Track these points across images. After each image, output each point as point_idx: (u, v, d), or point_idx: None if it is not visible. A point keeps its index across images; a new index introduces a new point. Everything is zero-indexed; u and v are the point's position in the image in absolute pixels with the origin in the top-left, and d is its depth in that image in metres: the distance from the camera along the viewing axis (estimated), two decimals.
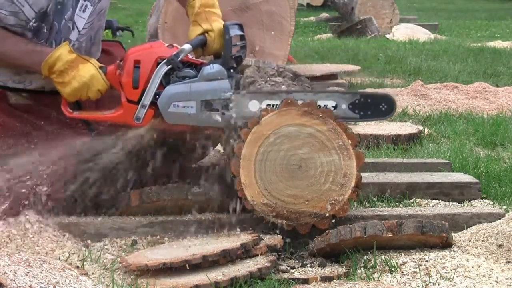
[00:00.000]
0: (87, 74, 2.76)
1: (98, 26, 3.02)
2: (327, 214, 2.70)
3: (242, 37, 2.87)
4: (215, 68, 2.75)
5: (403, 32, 11.82)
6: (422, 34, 11.72)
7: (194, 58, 2.82)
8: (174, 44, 2.81)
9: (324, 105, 2.76)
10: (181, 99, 2.73)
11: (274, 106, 2.74)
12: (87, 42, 2.98)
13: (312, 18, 15.62)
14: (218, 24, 2.85)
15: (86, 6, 2.90)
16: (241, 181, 2.68)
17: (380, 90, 2.67)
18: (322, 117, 2.67)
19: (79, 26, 2.90)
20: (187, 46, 2.78)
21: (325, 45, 10.14)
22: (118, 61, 2.83)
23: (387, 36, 11.70)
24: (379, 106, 2.75)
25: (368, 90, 2.74)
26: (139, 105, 2.76)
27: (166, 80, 2.75)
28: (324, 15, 15.66)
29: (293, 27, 6.58)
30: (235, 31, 2.83)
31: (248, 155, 2.68)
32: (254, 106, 2.75)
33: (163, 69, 2.75)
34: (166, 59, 2.75)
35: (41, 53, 2.78)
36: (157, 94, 2.75)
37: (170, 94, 2.73)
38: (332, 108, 2.76)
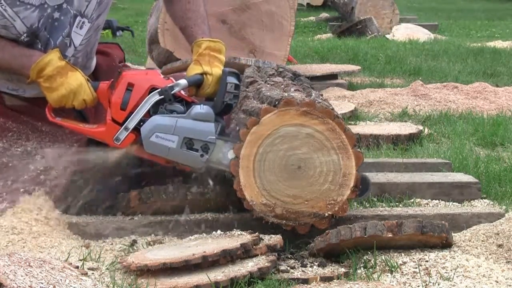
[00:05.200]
0: (75, 82, 2.76)
1: (94, 41, 3.02)
2: (326, 214, 2.70)
3: (237, 87, 2.87)
4: (204, 109, 2.75)
5: (403, 32, 11.81)
6: (422, 34, 11.71)
7: (186, 95, 2.82)
8: (170, 77, 2.82)
9: None
10: (164, 131, 2.73)
11: None
12: (83, 57, 2.98)
13: (312, 18, 15.60)
14: (218, 70, 2.86)
15: (83, 23, 2.89)
16: (240, 182, 2.68)
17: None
18: (321, 117, 2.67)
19: (75, 42, 2.90)
20: (183, 82, 2.79)
21: (325, 45, 10.13)
22: (112, 80, 2.83)
23: (387, 36, 11.70)
24: None
25: None
26: (122, 127, 2.76)
27: (154, 109, 2.76)
28: (324, 15, 15.65)
29: (293, 27, 6.58)
30: (232, 79, 2.84)
31: (247, 155, 2.68)
32: (233, 155, 2.73)
33: (154, 98, 2.75)
34: (159, 89, 2.75)
35: (30, 57, 2.78)
36: (142, 121, 2.75)
37: (155, 123, 2.74)
38: None
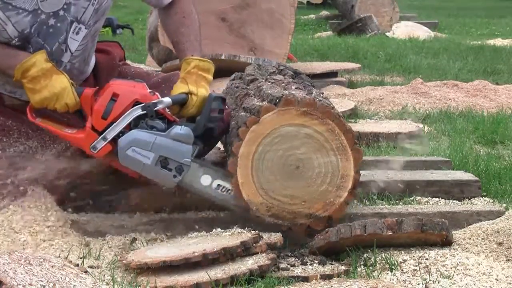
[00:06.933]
0: (59, 86, 2.75)
1: (91, 46, 3.00)
2: (322, 215, 2.69)
3: (221, 111, 2.85)
4: (184, 131, 2.74)
5: (403, 30, 11.82)
6: (422, 32, 11.71)
7: (169, 112, 2.80)
8: (156, 93, 2.79)
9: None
10: (141, 147, 2.71)
11: (225, 189, 2.74)
12: (80, 63, 2.96)
13: (312, 16, 15.62)
14: (203, 91, 2.84)
15: (79, 29, 2.88)
16: (237, 180, 2.67)
17: None
18: (322, 118, 2.67)
19: (72, 48, 2.89)
20: (167, 100, 2.77)
21: (325, 43, 10.14)
22: (97, 87, 2.81)
23: (387, 34, 11.70)
24: None
25: None
26: (101, 136, 2.74)
27: (135, 122, 2.74)
28: (324, 13, 15.67)
29: (293, 25, 6.58)
30: (217, 104, 2.82)
31: (245, 153, 2.67)
32: (206, 180, 2.74)
33: (137, 112, 2.73)
34: (143, 104, 2.73)
35: (16, 57, 2.77)
36: (121, 133, 2.73)
37: (133, 137, 2.72)
38: None
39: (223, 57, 5.96)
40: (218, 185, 2.76)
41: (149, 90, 2.79)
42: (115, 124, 2.73)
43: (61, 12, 2.83)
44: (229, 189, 2.74)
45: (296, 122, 2.66)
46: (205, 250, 2.43)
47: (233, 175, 2.68)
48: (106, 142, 2.74)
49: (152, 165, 2.72)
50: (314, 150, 2.67)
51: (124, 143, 2.72)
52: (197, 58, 2.92)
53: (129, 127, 2.74)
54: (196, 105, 2.82)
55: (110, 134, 2.73)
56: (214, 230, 2.71)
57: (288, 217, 2.69)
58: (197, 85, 2.85)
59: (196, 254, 2.42)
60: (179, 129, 2.74)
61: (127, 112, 2.73)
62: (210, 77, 2.93)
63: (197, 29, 3.02)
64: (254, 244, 2.51)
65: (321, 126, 2.67)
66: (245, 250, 2.48)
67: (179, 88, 2.85)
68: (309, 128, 2.67)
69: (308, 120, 2.66)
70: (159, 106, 2.75)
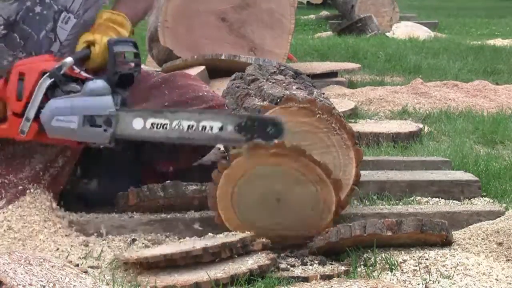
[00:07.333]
0: None
1: None
2: (311, 235, 2.68)
3: (135, 55, 2.80)
4: (97, 83, 2.70)
5: (403, 30, 11.80)
6: (422, 32, 11.71)
7: (80, 71, 2.76)
8: (63, 58, 2.76)
9: (210, 126, 2.67)
10: (63, 114, 2.68)
11: (160, 126, 2.67)
12: (71, 54, 2.95)
13: (312, 16, 15.61)
14: (106, 38, 2.80)
15: (68, 18, 2.88)
16: (222, 218, 2.65)
17: (268, 114, 2.64)
18: (293, 156, 2.63)
19: (61, 38, 2.89)
20: (69, 60, 2.73)
21: (325, 43, 10.14)
22: (7, 75, 2.78)
23: (387, 34, 11.70)
24: (265, 129, 2.64)
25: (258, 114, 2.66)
26: (24, 118, 2.72)
27: (51, 93, 2.71)
28: (324, 13, 15.67)
29: (293, 25, 6.58)
30: (121, 48, 2.76)
31: (224, 194, 2.64)
32: (138, 124, 2.68)
33: (46, 82, 2.70)
34: (48, 73, 2.70)
35: None
36: (41, 108, 2.71)
37: (52, 108, 2.69)
38: (218, 130, 2.66)
39: (223, 57, 5.96)
40: (152, 124, 2.68)
41: (55, 56, 2.75)
42: (31, 101, 2.71)
43: (47, 0, 2.83)
44: (164, 124, 2.67)
45: (268, 162, 2.63)
46: (206, 244, 2.44)
47: (215, 211, 2.66)
48: (30, 122, 2.71)
49: (80, 127, 2.68)
50: (292, 184, 2.64)
51: (45, 117, 2.70)
52: (110, 11, 2.90)
53: (47, 99, 2.71)
54: (99, 54, 2.79)
55: (31, 113, 2.71)
56: (209, 233, 2.69)
57: (278, 241, 2.66)
58: (104, 34, 2.82)
59: (197, 247, 2.42)
60: (92, 84, 2.69)
61: (37, 86, 2.70)
62: (124, 31, 2.89)
63: (141, 8, 3.01)
64: (252, 243, 2.52)
65: (295, 163, 2.63)
66: (244, 247, 2.48)
67: (84, 37, 2.83)
68: (282, 166, 2.63)
69: (280, 160, 2.62)
70: (64, 69, 2.71)
